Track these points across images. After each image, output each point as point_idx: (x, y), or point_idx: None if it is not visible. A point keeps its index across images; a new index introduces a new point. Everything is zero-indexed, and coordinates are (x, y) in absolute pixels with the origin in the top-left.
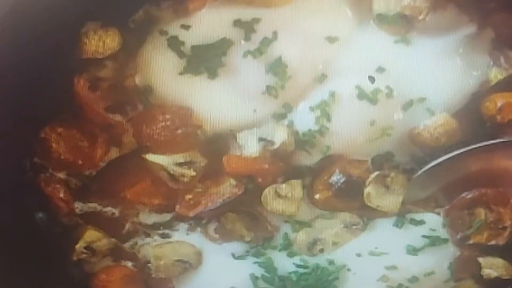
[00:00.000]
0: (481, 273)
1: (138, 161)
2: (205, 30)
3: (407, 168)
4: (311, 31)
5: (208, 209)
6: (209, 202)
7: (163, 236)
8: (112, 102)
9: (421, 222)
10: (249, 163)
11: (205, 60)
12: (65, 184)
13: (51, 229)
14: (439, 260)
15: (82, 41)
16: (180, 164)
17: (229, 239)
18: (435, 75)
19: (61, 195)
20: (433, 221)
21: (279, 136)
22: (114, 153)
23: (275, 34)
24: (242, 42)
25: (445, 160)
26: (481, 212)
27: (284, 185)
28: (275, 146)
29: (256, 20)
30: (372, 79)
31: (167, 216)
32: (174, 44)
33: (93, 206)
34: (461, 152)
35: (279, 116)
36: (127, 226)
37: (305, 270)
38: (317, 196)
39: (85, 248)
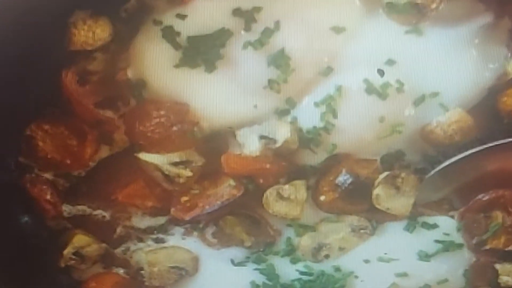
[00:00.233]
0: (498, 281)
1: (131, 160)
2: (202, 20)
3: (419, 168)
4: (316, 21)
5: (206, 212)
6: (206, 205)
7: (157, 241)
8: (102, 97)
9: (434, 226)
10: (249, 162)
11: (202, 52)
12: (52, 185)
13: (37, 233)
14: (453, 267)
15: (70, 32)
16: (176, 164)
17: (228, 244)
18: (449, 68)
19: (48, 197)
20: (447, 225)
21: (282, 133)
22: (104, 152)
23: (277, 24)
24: (242, 32)
25: (460, 159)
26: (498, 215)
27: (287, 186)
28: (277, 145)
29: (257, 9)
30: (381, 72)
31: (161, 220)
32: (169, 34)
33: (82, 209)
34: (476, 151)
35: (282, 112)
36: (119, 230)
37: (310, 278)
38: (322, 198)
39: (74, 254)
